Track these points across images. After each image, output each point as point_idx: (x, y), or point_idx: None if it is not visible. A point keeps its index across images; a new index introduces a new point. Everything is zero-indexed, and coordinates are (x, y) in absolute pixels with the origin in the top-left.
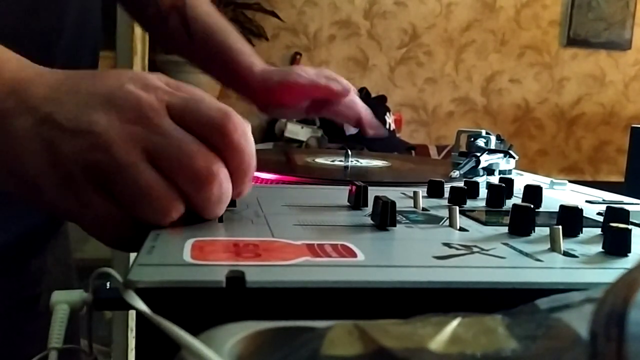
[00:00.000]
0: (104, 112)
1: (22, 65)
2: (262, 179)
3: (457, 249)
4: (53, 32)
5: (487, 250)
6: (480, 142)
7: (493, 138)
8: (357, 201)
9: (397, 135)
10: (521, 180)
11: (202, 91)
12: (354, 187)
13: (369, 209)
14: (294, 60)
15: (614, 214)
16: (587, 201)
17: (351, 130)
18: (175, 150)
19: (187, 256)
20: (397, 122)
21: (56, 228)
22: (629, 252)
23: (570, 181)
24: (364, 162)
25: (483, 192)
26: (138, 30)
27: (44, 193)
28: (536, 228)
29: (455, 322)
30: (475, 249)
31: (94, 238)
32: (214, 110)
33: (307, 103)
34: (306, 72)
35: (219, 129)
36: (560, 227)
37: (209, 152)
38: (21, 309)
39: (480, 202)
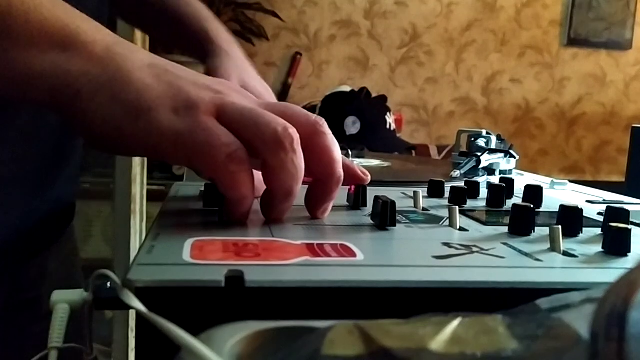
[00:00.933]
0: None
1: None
2: None
3: (457, 248)
4: None
5: (487, 250)
6: (481, 142)
7: (493, 138)
8: (356, 201)
9: (398, 135)
10: (522, 180)
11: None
12: (353, 187)
13: (369, 208)
14: (295, 60)
15: (614, 213)
16: (587, 201)
17: (352, 130)
18: (255, 114)
19: (186, 256)
20: (398, 122)
21: (60, 229)
22: (629, 252)
23: (570, 181)
24: (365, 162)
25: (483, 192)
26: (138, 31)
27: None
28: (536, 228)
29: (455, 322)
30: (475, 249)
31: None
32: (304, 115)
33: None
34: (245, 81)
35: (308, 125)
36: (560, 227)
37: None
38: (24, 310)
39: (480, 202)
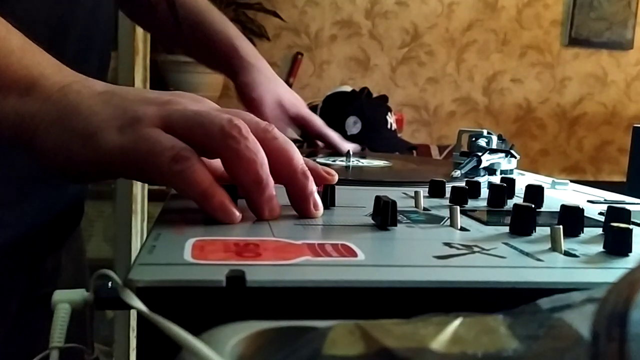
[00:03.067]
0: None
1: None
2: None
3: (457, 248)
4: (64, 23)
5: (488, 250)
6: (482, 142)
7: (494, 138)
8: (324, 200)
9: (399, 135)
10: (523, 180)
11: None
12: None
13: (368, 209)
14: (296, 60)
15: (616, 213)
16: (588, 201)
17: (353, 130)
18: (189, 115)
19: (187, 256)
20: (399, 122)
21: (72, 227)
22: (630, 251)
23: (572, 181)
24: (365, 162)
25: (484, 192)
26: (140, 30)
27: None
28: (537, 228)
29: (456, 322)
30: (476, 249)
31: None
32: (212, 127)
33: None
34: (279, 95)
35: (219, 141)
36: (561, 226)
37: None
38: (37, 307)
39: (481, 202)
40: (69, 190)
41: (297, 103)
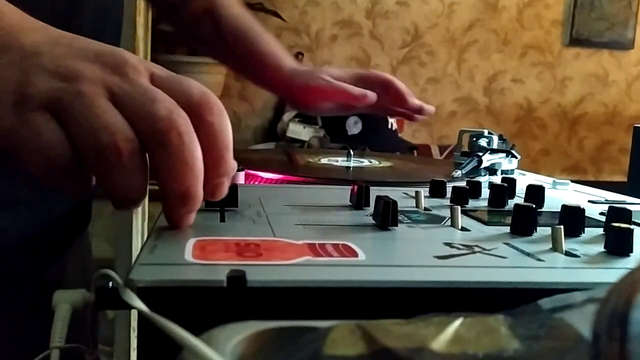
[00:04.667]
0: (88, 63)
1: (25, 17)
2: (264, 179)
3: (458, 248)
4: (70, 17)
5: (489, 250)
6: (483, 142)
7: (495, 138)
8: (358, 201)
9: (399, 135)
10: (523, 180)
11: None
12: (355, 187)
13: (371, 208)
14: (296, 60)
15: (616, 213)
16: (589, 201)
17: (353, 130)
18: (140, 94)
19: (188, 255)
20: (399, 122)
21: (79, 230)
22: (631, 252)
23: (572, 181)
24: (366, 162)
25: (485, 192)
26: (140, 30)
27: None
28: (538, 228)
29: (457, 322)
30: (476, 249)
31: (33, 170)
32: (195, 88)
33: (332, 104)
34: (332, 74)
35: (196, 104)
36: (562, 227)
37: (177, 106)
38: (46, 310)
39: (482, 202)
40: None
41: (347, 70)
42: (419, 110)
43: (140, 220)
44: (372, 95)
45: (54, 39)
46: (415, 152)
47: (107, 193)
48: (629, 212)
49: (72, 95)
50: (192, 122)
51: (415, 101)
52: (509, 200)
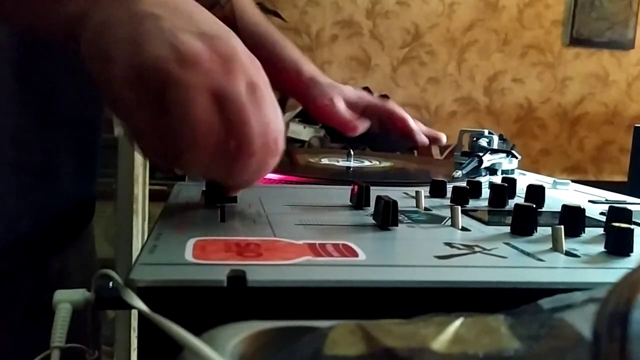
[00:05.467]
0: (200, 40)
1: None
2: (265, 179)
3: (459, 248)
4: None
5: (489, 250)
6: (483, 142)
7: (495, 138)
8: (359, 201)
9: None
10: (524, 180)
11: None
12: (356, 187)
13: (371, 208)
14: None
15: (617, 213)
16: (589, 201)
17: None
18: (236, 107)
19: (188, 255)
20: None
21: (80, 227)
22: (632, 252)
23: (573, 181)
24: (367, 162)
25: (485, 192)
26: None
27: (111, 79)
28: (538, 228)
29: (457, 322)
30: (477, 249)
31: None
32: (273, 132)
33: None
34: (344, 94)
35: (265, 143)
36: (562, 226)
37: (259, 131)
38: (46, 310)
39: (482, 202)
40: (78, 187)
41: (362, 94)
42: (428, 143)
43: (140, 220)
44: (361, 128)
45: (175, 3)
46: (415, 152)
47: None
48: (629, 212)
49: (175, 81)
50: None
51: (423, 138)
52: (509, 200)
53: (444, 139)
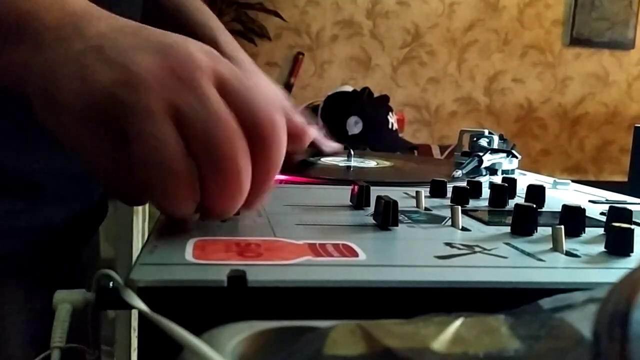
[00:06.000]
0: (150, 55)
1: (90, 5)
2: None
3: (459, 248)
4: None
5: (489, 250)
6: (483, 142)
7: (496, 138)
8: (359, 201)
9: (400, 135)
10: (524, 180)
11: (271, 88)
12: (356, 187)
13: (372, 208)
14: (297, 60)
15: (617, 213)
16: (590, 201)
17: (354, 130)
18: (203, 113)
19: (189, 255)
20: (400, 122)
21: (99, 222)
22: (632, 252)
23: (573, 181)
24: (367, 162)
25: (486, 192)
26: None
27: (63, 121)
28: (539, 228)
29: (457, 322)
30: (477, 249)
31: (100, 181)
32: (263, 111)
33: None
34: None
35: (259, 129)
36: (562, 226)
37: (239, 130)
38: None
39: (482, 202)
40: (90, 186)
41: (274, 97)
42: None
43: (140, 220)
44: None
45: (119, 28)
46: (415, 152)
47: (154, 204)
48: (630, 212)
49: (134, 109)
50: (249, 140)
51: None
52: (510, 200)
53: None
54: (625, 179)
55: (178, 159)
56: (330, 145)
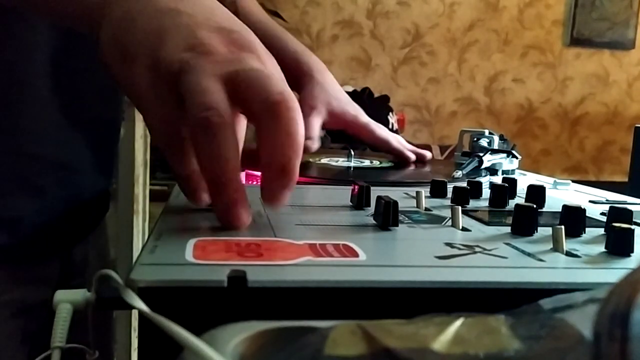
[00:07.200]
0: (220, 35)
1: None
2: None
3: (459, 249)
4: None
5: (490, 250)
6: (483, 142)
7: (496, 138)
8: (359, 201)
9: (400, 135)
10: (524, 180)
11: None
12: (356, 187)
13: (372, 208)
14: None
15: (617, 213)
16: (590, 201)
17: None
18: (256, 72)
19: (189, 256)
20: (400, 122)
21: (98, 218)
22: (632, 252)
23: (573, 181)
24: (367, 162)
25: (486, 192)
26: None
27: (126, 68)
28: (539, 228)
29: (458, 322)
30: (477, 249)
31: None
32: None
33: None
34: (332, 106)
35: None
36: (562, 227)
37: (285, 83)
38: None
39: (483, 202)
40: (99, 181)
41: (347, 111)
42: (414, 159)
43: (141, 220)
44: (313, 148)
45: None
46: None
47: (201, 168)
48: (630, 212)
49: (194, 70)
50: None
51: (408, 155)
52: (510, 201)
53: (428, 155)
54: (626, 179)
55: (217, 107)
56: (415, 151)
